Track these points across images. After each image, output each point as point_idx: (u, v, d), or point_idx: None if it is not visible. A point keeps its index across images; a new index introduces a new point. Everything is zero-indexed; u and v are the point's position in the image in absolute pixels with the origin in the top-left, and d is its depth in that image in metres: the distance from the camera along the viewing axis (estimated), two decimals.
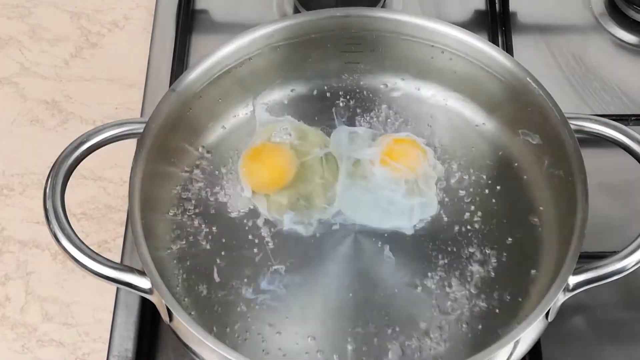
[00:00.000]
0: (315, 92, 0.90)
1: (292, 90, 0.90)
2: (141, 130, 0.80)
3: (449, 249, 0.81)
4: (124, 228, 0.89)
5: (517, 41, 0.99)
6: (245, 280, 0.80)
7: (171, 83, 0.94)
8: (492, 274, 0.80)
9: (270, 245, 0.82)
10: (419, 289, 0.79)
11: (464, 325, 0.78)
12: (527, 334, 0.73)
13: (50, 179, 0.77)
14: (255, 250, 0.81)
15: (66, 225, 0.75)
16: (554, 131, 0.81)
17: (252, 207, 0.84)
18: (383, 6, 1.02)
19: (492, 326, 0.77)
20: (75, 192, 0.91)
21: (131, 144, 0.80)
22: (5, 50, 1.04)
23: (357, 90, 0.90)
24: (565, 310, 0.78)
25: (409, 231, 0.82)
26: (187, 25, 1.01)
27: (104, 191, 0.94)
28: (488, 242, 0.81)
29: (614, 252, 0.75)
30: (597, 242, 0.82)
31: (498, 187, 0.84)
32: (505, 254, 0.81)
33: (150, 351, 0.82)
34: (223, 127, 0.88)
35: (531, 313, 0.72)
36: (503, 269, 0.80)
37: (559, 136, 0.80)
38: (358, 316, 0.78)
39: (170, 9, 1.03)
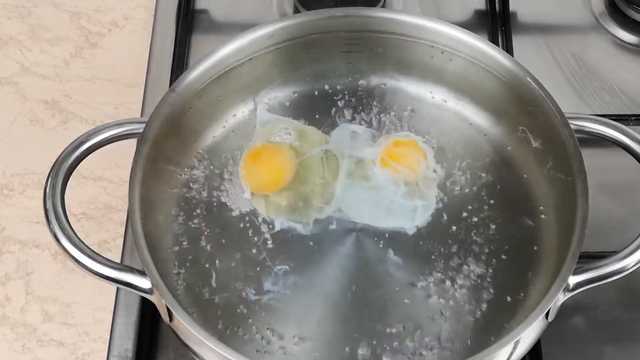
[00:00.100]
0: (315, 92, 0.90)
1: (292, 91, 0.90)
2: (141, 130, 0.80)
3: (450, 249, 0.81)
4: (124, 228, 0.89)
5: (517, 41, 0.99)
6: (246, 280, 0.80)
7: (171, 83, 0.94)
8: (492, 273, 0.80)
9: (271, 245, 0.82)
10: (420, 289, 0.79)
11: (464, 325, 0.78)
12: (527, 334, 0.73)
13: (50, 179, 0.77)
14: (256, 250, 0.81)
15: (66, 225, 0.75)
16: (554, 131, 0.81)
17: (252, 207, 0.84)
18: (383, 6, 1.02)
19: (492, 326, 0.77)
20: (75, 192, 0.91)
21: (131, 144, 0.80)
22: (5, 50, 1.04)
23: (357, 90, 0.90)
24: (565, 310, 0.78)
25: (410, 231, 0.82)
26: (187, 25, 1.01)
27: (104, 191, 0.94)
28: (488, 242, 0.81)
29: (614, 252, 0.75)
30: (597, 242, 0.82)
31: (498, 187, 0.84)
32: (505, 254, 0.81)
33: (150, 351, 0.83)
34: (223, 127, 0.88)
35: (531, 313, 0.72)
36: (503, 268, 0.80)
37: (559, 136, 0.80)
38: (358, 316, 0.78)
39: (170, 9, 1.03)
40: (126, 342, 0.82)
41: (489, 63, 0.85)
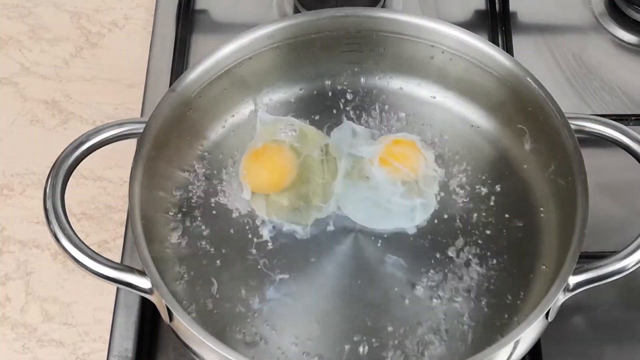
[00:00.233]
0: (315, 92, 0.90)
1: (292, 91, 0.90)
2: (141, 130, 0.80)
3: (449, 249, 0.81)
4: (124, 228, 0.89)
5: (517, 41, 0.99)
6: (245, 280, 0.80)
7: (171, 83, 0.94)
8: (492, 273, 0.80)
9: (271, 246, 0.82)
10: (419, 289, 0.79)
11: (464, 325, 0.78)
12: (527, 334, 0.73)
13: (50, 179, 0.77)
14: (255, 251, 0.81)
15: (66, 225, 0.75)
16: (554, 131, 0.81)
17: (252, 207, 0.84)
18: (383, 6, 1.02)
19: (492, 326, 0.77)
20: (75, 192, 0.91)
21: (131, 144, 0.80)
22: (5, 50, 1.04)
23: (357, 90, 0.90)
24: (565, 310, 0.78)
25: (410, 231, 0.82)
26: (187, 25, 1.01)
27: (104, 191, 0.94)
28: (488, 242, 0.81)
29: (614, 252, 0.75)
30: (597, 242, 0.82)
31: (498, 187, 0.84)
32: (505, 254, 0.81)
33: (150, 351, 0.82)
34: (223, 127, 0.88)
35: (531, 313, 0.72)
36: (503, 268, 0.80)
37: (559, 136, 0.80)
38: (358, 316, 0.78)
39: (170, 9, 1.03)
40: (126, 342, 0.82)
41: (489, 63, 0.85)
